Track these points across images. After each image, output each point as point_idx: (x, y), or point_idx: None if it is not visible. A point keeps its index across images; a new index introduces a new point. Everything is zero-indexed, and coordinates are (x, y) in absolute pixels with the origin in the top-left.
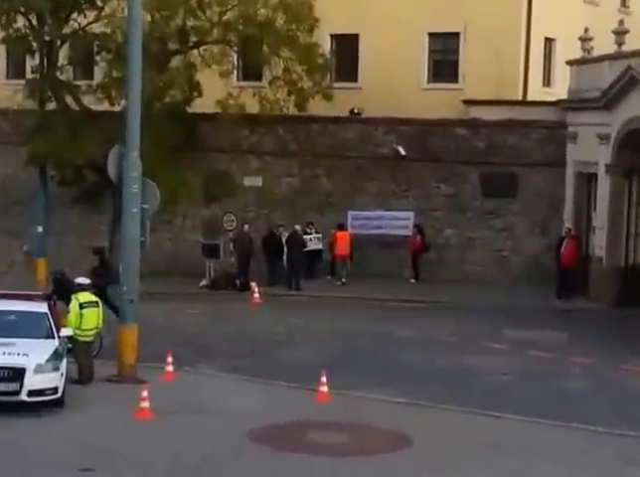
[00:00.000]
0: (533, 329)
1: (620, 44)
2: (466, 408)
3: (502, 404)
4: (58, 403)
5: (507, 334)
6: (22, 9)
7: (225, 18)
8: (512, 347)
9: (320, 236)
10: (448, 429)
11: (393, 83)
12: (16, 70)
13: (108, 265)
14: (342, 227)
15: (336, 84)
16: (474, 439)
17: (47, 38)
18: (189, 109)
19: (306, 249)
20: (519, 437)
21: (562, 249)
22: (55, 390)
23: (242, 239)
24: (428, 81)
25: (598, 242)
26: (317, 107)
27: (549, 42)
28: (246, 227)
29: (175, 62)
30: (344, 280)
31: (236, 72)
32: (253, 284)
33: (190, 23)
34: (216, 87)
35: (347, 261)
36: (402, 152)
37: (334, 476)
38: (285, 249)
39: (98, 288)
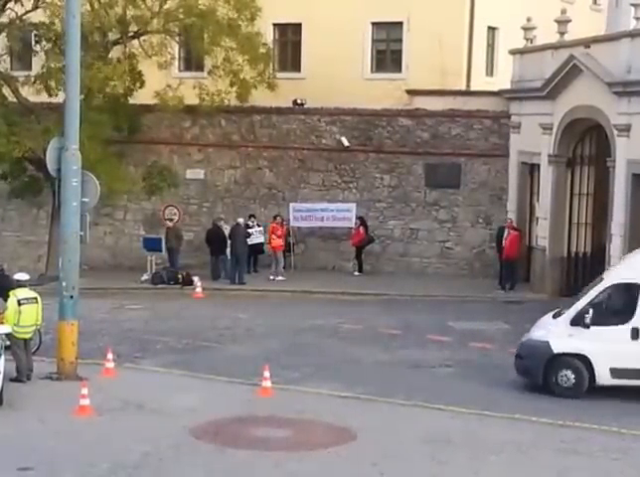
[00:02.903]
0: (476, 321)
1: (562, 33)
2: (410, 402)
3: (446, 397)
4: None
5: (450, 326)
6: None
7: (165, 7)
8: (455, 339)
9: (262, 228)
10: (392, 423)
11: (336, 73)
12: None
13: None
14: (275, 218)
15: (279, 75)
16: (418, 432)
17: None
18: (130, 100)
19: (249, 243)
20: (462, 430)
21: (504, 240)
22: None
23: (172, 234)
24: (372, 71)
25: (541, 233)
26: (260, 98)
27: (492, 31)
28: (169, 223)
29: (115, 52)
30: (273, 277)
31: (177, 62)
32: (196, 278)
33: (130, 12)
34: (157, 78)
35: (278, 254)
36: (346, 143)
37: (278, 471)
38: (229, 243)
39: None
